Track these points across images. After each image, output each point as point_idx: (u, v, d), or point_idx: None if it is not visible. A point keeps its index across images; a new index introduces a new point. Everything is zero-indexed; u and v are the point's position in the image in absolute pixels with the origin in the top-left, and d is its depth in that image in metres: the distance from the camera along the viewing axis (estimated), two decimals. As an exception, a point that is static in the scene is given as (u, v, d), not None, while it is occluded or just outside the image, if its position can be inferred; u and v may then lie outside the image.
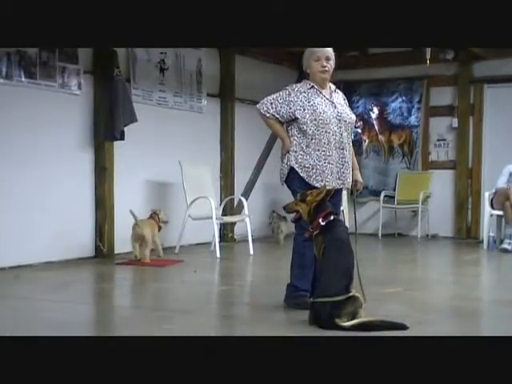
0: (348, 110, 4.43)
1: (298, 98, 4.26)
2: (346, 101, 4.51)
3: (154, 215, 6.70)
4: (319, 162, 4.22)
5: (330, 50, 4.30)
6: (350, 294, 3.65)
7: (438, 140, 9.40)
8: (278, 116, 4.31)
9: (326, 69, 4.28)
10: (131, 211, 6.37)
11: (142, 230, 6.36)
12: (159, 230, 6.69)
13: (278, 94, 4.34)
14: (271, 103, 4.32)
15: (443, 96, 9.29)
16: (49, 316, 4.09)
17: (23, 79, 6.04)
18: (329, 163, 4.24)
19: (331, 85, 4.42)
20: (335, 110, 4.30)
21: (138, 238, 6.40)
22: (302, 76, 4.50)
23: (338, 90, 4.47)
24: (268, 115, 4.33)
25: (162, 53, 7.57)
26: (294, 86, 4.37)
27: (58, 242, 6.28)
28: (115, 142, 6.77)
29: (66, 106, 6.47)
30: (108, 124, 6.65)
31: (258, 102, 4.45)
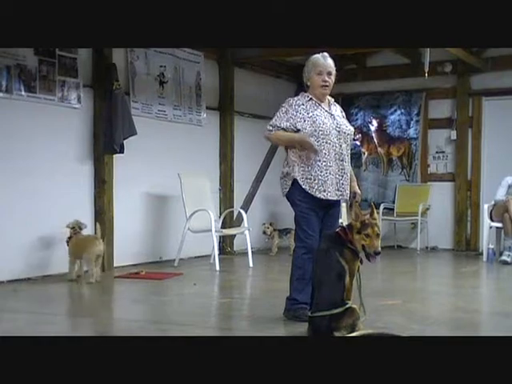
0: (346, 121, 4.46)
1: (296, 111, 4.29)
2: (344, 113, 4.54)
3: (75, 229, 6.11)
4: (320, 172, 4.24)
5: (331, 65, 4.33)
6: (347, 306, 3.65)
7: (437, 152, 9.42)
8: (281, 128, 4.31)
9: (327, 84, 4.31)
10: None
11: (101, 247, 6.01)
12: None
13: (277, 115, 4.35)
14: (273, 122, 4.33)
15: (442, 108, 9.32)
16: (49, 329, 4.08)
17: (23, 93, 6.06)
18: (330, 174, 4.26)
19: (329, 97, 4.45)
20: (334, 122, 4.33)
21: (99, 256, 6.03)
22: (300, 89, 4.52)
23: (335, 103, 4.50)
24: (273, 130, 4.32)
25: (161, 66, 7.61)
26: (292, 100, 4.38)
27: (57, 254, 6.27)
28: (115, 155, 6.79)
29: (65, 120, 6.49)
30: (107, 137, 6.67)
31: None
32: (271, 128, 4.34)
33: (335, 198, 4.34)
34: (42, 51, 6.20)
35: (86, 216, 6.71)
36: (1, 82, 5.86)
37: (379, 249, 3.77)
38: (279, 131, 4.31)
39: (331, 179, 4.27)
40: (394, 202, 9.51)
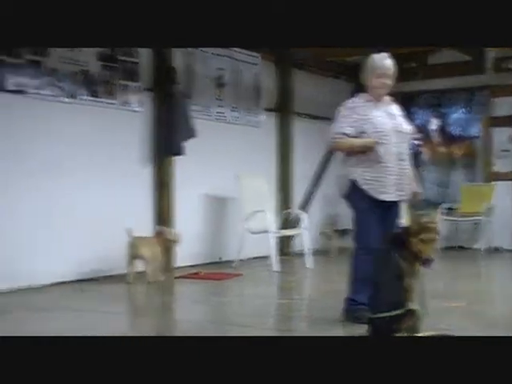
0: (405, 121, 4.40)
1: (357, 113, 4.24)
2: (402, 112, 4.47)
3: (159, 234, 6.36)
4: (380, 173, 4.19)
5: (390, 66, 4.26)
6: (408, 308, 3.59)
7: (502, 151, 9.16)
8: (345, 134, 4.26)
9: (386, 86, 4.26)
10: None
11: (139, 249, 6.01)
12: (168, 250, 6.44)
13: (338, 120, 4.29)
14: (337, 130, 4.27)
15: (506, 106, 9.06)
16: (110, 329, 4.18)
17: (86, 98, 6.23)
18: (389, 174, 4.21)
19: (387, 97, 4.40)
20: (393, 122, 4.28)
21: (134, 257, 6.05)
22: (358, 89, 4.48)
23: (393, 102, 4.44)
24: (338, 138, 4.24)
25: (219, 68, 7.68)
26: (350, 102, 4.33)
27: (120, 255, 6.39)
28: (174, 157, 6.90)
29: (126, 123, 6.63)
30: (167, 140, 6.79)
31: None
32: (336, 136, 4.28)
33: (395, 199, 4.29)
34: (104, 57, 6.37)
35: (147, 218, 6.84)
36: (66, 88, 6.04)
37: (431, 256, 3.66)
38: (345, 138, 4.25)
39: (391, 180, 4.22)
40: (455, 202, 9.31)
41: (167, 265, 6.54)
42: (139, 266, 6.13)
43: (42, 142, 5.89)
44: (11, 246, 5.59)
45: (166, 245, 6.36)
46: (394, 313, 3.56)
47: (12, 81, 5.58)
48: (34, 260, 5.73)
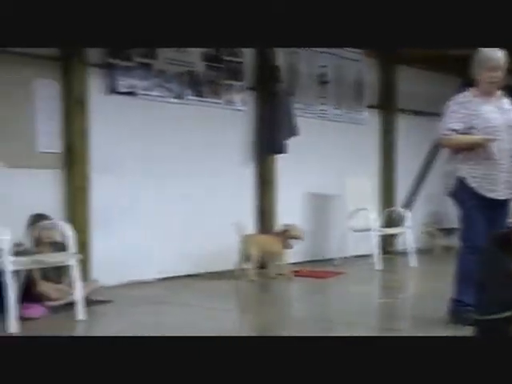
0: (516, 116, 4.23)
1: (466, 108, 4.12)
2: (513, 107, 4.30)
3: (281, 232, 6.46)
4: (490, 171, 4.06)
5: (502, 59, 4.11)
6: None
7: None
8: (455, 130, 4.16)
9: (497, 79, 4.12)
10: None
11: (249, 247, 6.13)
12: (288, 248, 6.47)
13: (447, 115, 4.18)
14: (447, 126, 4.15)
15: None
16: (214, 325, 4.30)
17: (192, 98, 6.42)
18: (500, 172, 4.07)
19: (498, 91, 4.24)
20: (505, 117, 4.13)
21: (246, 255, 6.16)
22: (465, 83, 4.35)
23: (504, 96, 4.28)
24: (448, 134, 4.14)
25: (322, 66, 7.68)
26: (459, 97, 4.21)
27: (222, 252, 6.51)
28: (277, 155, 6.97)
29: (231, 122, 6.77)
30: (270, 138, 6.87)
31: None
32: (446, 132, 4.17)
33: (505, 197, 4.14)
34: (209, 57, 6.53)
35: (250, 215, 6.94)
36: (173, 89, 6.24)
37: None
38: (455, 135, 4.14)
39: (501, 177, 4.07)
40: None
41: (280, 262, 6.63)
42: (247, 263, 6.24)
43: (153, 142, 6.12)
44: (122, 243, 5.85)
45: (287, 243, 6.43)
46: (503, 314, 3.44)
47: (123, 83, 5.84)
48: (144, 256, 5.97)
